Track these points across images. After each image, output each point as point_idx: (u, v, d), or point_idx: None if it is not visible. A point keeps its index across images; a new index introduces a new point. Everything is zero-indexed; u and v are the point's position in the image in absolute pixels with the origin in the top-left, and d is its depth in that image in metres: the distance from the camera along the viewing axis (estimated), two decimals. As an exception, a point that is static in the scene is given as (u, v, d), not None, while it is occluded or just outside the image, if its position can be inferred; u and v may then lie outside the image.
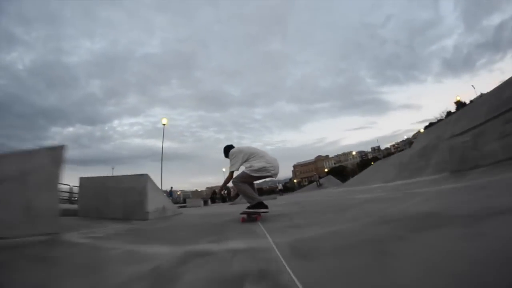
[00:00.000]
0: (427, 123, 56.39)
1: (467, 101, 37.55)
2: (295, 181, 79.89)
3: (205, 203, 19.05)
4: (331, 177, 26.47)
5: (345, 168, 63.35)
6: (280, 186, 34.53)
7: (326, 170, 69.34)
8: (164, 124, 20.68)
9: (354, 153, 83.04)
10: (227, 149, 3.57)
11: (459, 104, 37.99)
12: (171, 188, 24.47)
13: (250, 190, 3.20)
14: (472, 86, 61.25)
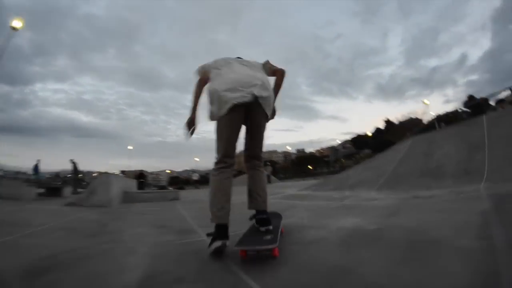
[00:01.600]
0: (351, 136, 67.70)
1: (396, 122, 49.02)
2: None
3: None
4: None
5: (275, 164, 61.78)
6: (195, 176, 26.49)
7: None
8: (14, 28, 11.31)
9: (289, 148, 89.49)
10: None
11: (388, 123, 49.60)
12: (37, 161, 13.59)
13: (219, 193, 1.52)
14: (424, 101, 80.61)
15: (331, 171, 37.84)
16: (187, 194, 11.75)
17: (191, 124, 1.74)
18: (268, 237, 1.45)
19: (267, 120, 1.71)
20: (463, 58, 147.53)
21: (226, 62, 1.77)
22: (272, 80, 1.85)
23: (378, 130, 50.34)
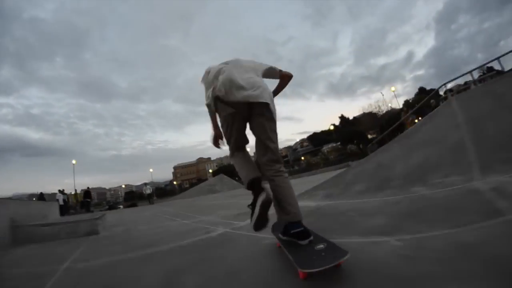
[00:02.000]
0: (306, 135, 68.65)
1: (350, 117, 50.44)
2: (175, 183, 77.36)
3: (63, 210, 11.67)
4: (224, 176, 20.27)
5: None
6: (148, 190, 22.26)
7: (210, 171, 70.29)
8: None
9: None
10: None
11: (342, 119, 50.99)
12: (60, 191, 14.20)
13: (243, 165, 1.64)
14: (382, 93, 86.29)
15: (294, 171, 37.62)
16: (125, 215, 8.28)
17: (216, 140, 1.75)
18: (321, 246, 1.30)
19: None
20: (410, 55, 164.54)
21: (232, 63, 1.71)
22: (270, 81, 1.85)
23: (344, 121, 51.01)
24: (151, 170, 54.64)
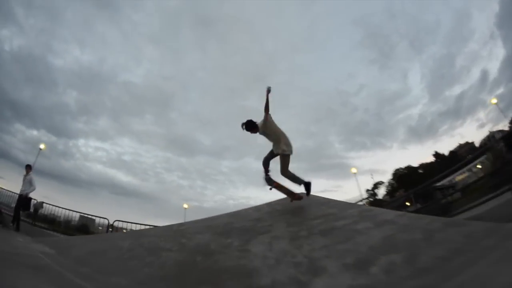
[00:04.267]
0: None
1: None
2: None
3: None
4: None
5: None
6: None
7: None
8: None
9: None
10: (252, 123, 4.23)
11: (437, 156, 41.72)
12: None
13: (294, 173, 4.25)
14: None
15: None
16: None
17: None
18: None
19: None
20: (484, 74, 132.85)
21: None
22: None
23: (439, 158, 41.96)
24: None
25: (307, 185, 4.18)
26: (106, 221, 10.11)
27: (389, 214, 3.09)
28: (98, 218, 10.17)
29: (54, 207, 10.45)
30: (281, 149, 4.04)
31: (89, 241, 5.56)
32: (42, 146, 22.80)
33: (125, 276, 3.03)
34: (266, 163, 4.36)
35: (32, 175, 7.68)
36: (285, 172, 4.10)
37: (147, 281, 2.76)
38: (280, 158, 4.10)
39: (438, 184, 21.52)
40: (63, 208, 10.51)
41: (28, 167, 7.66)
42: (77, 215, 10.43)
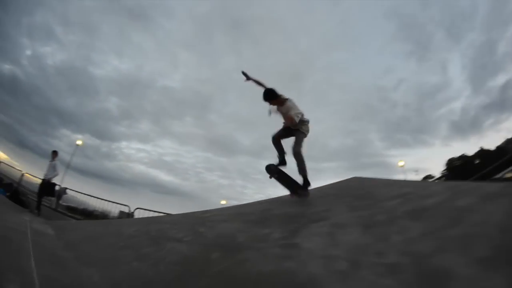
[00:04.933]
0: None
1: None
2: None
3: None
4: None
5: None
6: None
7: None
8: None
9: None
10: (272, 92, 3.30)
11: (482, 152, 35.16)
12: None
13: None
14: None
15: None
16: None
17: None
18: None
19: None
20: None
21: None
22: None
23: (485, 154, 34.46)
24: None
25: (307, 183, 3.24)
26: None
27: (489, 186, 1.73)
28: (119, 205, 9.65)
29: (77, 194, 10.36)
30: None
31: (93, 225, 4.78)
32: (79, 142, 23.48)
33: (103, 269, 2.03)
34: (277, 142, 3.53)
35: (57, 161, 7.41)
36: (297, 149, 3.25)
37: (125, 282, 1.65)
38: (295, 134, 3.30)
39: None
40: (83, 193, 10.36)
41: (54, 153, 7.41)
42: (108, 205, 10.09)
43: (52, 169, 7.16)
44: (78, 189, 10.56)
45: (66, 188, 9.84)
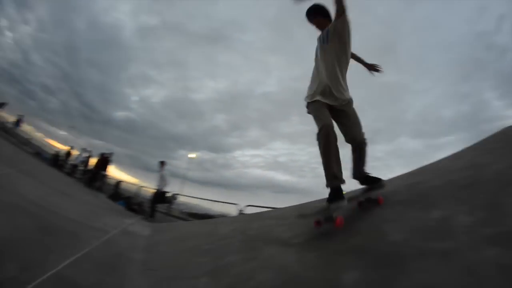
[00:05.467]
0: None
1: None
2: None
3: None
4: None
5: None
6: None
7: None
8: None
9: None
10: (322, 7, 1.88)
11: None
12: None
13: (333, 152, 1.58)
14: None
15: None
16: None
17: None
18: None
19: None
20: None
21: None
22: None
23: None
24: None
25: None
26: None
27: None
28: (232, 206, 9.97)
29: (190, 199, 11.34)
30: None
31: (192, 226, 4.46)
32: (192, 155, 25.59)
33: (155, 283, 1.23)
34: None
35: (164, 171, 7.92)
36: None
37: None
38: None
39: None
40: (194, 197, 11.16)
41: (162, 163, 7.92)
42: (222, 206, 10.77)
43: (162, 179, 7.72)
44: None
45: (176, 194, 10.92)
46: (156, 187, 7.69)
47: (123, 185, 12.01)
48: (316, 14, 1.87)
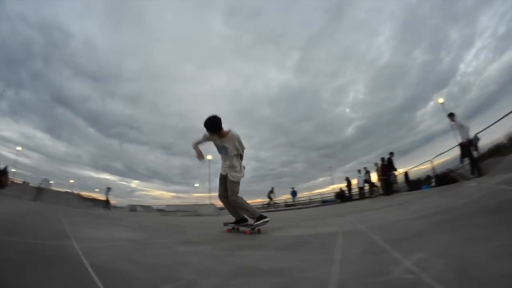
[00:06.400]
0: None
1: None
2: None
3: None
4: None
5: None
6: None
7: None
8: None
9: None
10: (218, 122, 2.91)
11: None
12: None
13: (247, 203, 3.16)
14: None
15: None
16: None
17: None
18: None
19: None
20: None
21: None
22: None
23: None
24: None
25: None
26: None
27: None
28: None
29: None
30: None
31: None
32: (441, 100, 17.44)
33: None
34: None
35: (458, 120, 7.12)
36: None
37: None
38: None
39: None
40: None
41: (450, 115, 7.25)
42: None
43: (462, 128, 6.89)
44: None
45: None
46: (462, 140, 6.92)
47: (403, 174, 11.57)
48: (212, 129, 2.99)
